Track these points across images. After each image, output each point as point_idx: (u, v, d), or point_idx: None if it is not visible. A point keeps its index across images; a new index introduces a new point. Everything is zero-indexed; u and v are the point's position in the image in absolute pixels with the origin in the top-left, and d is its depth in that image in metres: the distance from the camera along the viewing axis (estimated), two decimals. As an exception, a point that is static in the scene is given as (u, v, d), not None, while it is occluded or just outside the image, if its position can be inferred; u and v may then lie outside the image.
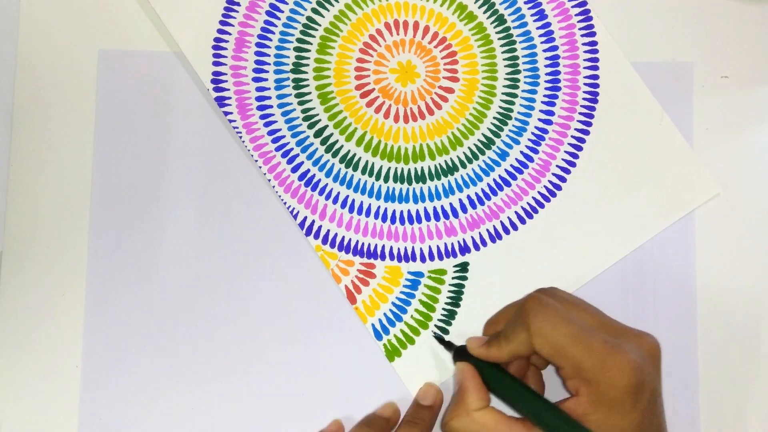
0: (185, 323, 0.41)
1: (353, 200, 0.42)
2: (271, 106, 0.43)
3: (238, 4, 0.43)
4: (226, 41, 0.43)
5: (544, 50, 0.44)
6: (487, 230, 0.42)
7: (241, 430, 0.40)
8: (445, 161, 0.43)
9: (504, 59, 0.43)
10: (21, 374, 0.41)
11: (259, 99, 0.42)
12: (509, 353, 0.35)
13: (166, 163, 0.42)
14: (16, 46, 0.42)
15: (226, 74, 0.42)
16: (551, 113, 0.43)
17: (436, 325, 0.41)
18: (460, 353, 0.38)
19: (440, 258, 0.42)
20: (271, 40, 0.43)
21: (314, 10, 0.43)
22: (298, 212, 0.42)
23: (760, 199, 0.43)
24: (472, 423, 0.34)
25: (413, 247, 0.42)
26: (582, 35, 0.44)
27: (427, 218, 0.42)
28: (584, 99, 0.43)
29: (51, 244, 0.41)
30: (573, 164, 0.43)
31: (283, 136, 0.42)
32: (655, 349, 0.34)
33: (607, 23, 0.44)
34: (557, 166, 0.43)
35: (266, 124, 0.42)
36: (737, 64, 0.44)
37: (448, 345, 0.40)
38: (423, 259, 0.42)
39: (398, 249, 0.42)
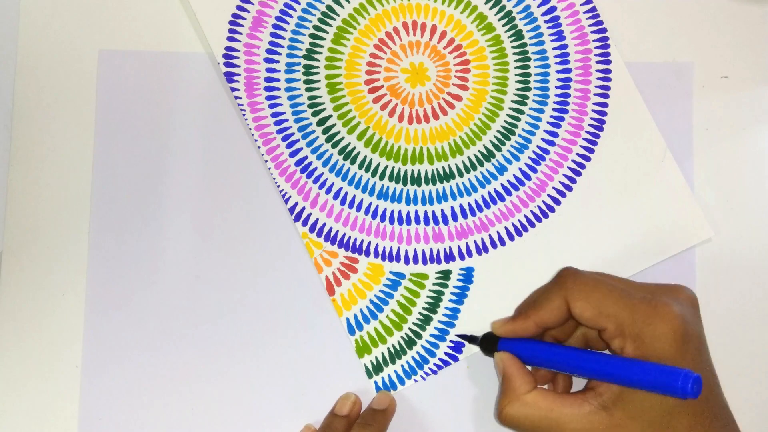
0: (185, 323, 0.41)
1: (346, 193, 0.42)
2: (278, 89, 0.43)
3: (261, -17, 0.43)
4: (244, 18, 0.43)
5: (558, 71, 0.43)
6: (474, 242, 0.42)
7: (240, 429, 0.40)
8: (443, 167, 0.43)
9: (516, 74, 0.43)
10: (21, 374, 0.40)
11: (267, 80, 0.43)
12: (536, 323, 0.35)
13: (165, 163, 0.42)
14: (16, 46, 0.42)
15: (239, 51, 0.42)
16: (555, 134, 0.43)
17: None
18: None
19: (424, 262, 0.42)
20: (288, 23, 0.43)
21: (336, 0, 0.43)
22: (290, 197, 0.42)
23: (760, 200, 0.43)
24: (525, 406, 0.34)
25: (398, 248, 0.42)
26: (597, 62, 0.43)
27: (417, 221, 0.42)
28: (590, 125, 0.43)
29: (51, 244, 0.41)
30: (569, 188, 0.43)
31: (286, 120, 0.42)
32: (694, 299, 0.35)
33: (608, 23, 0.43)
34: (553, 188, 0.43)
35: (271, 106, 0.42)
36: (737, 64, 0.44)
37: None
38: (407, 261, 0.42)
39: (383, 247, 0.42)
